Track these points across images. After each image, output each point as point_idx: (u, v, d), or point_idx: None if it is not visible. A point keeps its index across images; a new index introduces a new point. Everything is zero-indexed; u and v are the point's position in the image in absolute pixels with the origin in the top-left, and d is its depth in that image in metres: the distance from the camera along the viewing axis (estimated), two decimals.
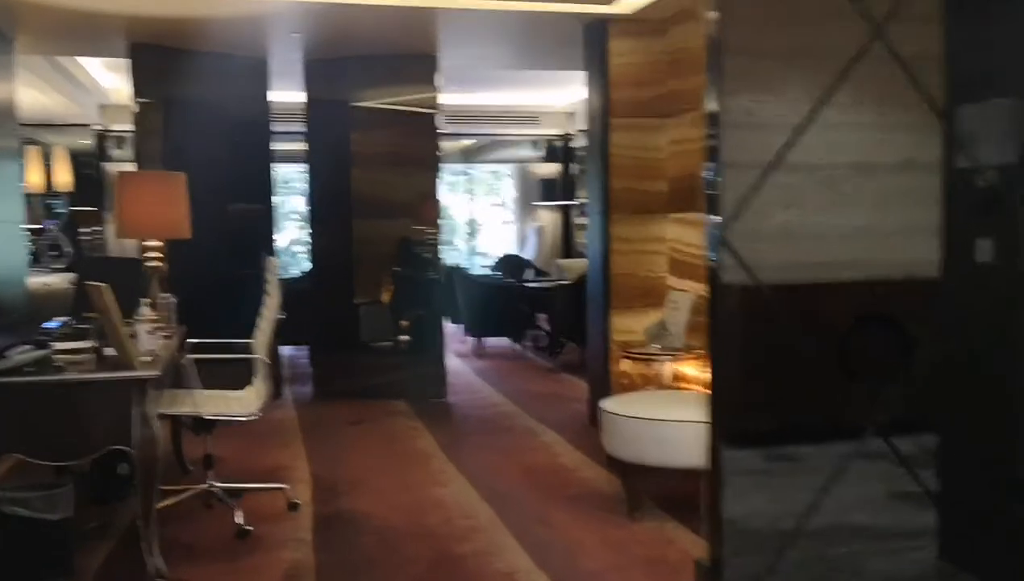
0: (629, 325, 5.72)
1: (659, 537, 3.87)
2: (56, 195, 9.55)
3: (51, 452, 3.40)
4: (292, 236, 14.79)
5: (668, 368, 5.28)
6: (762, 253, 2.40)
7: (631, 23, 5.57)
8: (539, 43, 6.55)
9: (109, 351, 3.60)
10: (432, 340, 7.20)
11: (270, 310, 4.24)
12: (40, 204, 9.45)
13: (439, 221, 7.30)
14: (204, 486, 4.21)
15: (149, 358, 3.61)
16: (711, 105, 2.22)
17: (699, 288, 5.30)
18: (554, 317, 9.10)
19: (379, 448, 5.51)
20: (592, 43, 5.77)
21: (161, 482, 3.62)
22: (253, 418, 4.06)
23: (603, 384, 5.73)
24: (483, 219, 15.26)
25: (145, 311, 3.80)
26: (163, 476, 3.66)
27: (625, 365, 5.38)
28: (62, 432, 3.38)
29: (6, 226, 5.74)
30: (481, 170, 14.74)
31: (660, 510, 4.13)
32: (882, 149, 2.39)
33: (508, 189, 15.19)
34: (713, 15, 2.25)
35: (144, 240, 4.92)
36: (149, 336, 3.72)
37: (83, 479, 4.18)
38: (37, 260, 9.29)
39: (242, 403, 4.18)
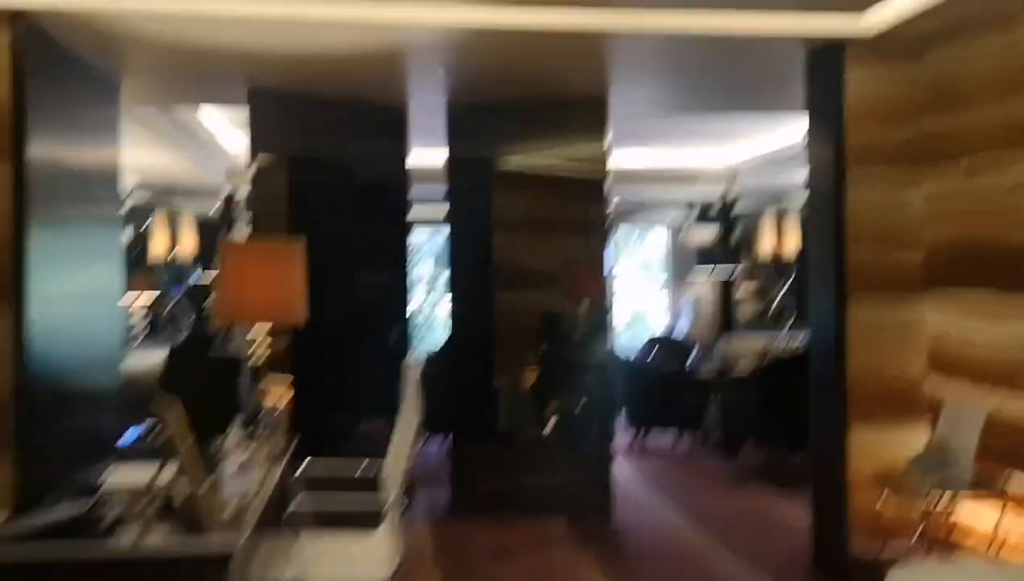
0: (871, 441, 4.27)
1: None
2: (181, 264, 8.97)
3: None
4: (419, 304, 13.97)
5: (950, 513, 3.83)
6: None
7: (875, 46, 4.24)
8: (737, 77, 5.29)
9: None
10: (591, 438, 5.93)
11: (407, 428, 3.06)
12: (165, 273, 8.85)
13: (605, 296, 6.08)
14: None
15: (233, 512, 2.47)
16: None
17: (989, 396, 3.82)
18: (730, 412, 7.66)
19: None
20: (820, 73, 4.47)
21: None
22: None
23: (836, 519, 4.29)
24: (619, 289, 13.99)
25: (235, 437, 2.67)
26: None
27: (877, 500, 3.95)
28: None
29: (101, 300, 4.84)
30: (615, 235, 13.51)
31: None
32: None
33: (645, 254, 13.94)
34: None
35: (250, 325, 3.90)
36: (239, 474, 2.58)
37: None
38: (158, 333, 8.61)
39: (367, 560, 2.99)
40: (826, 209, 4.43)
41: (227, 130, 7.33)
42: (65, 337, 4.20)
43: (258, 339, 3.98)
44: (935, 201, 4.23)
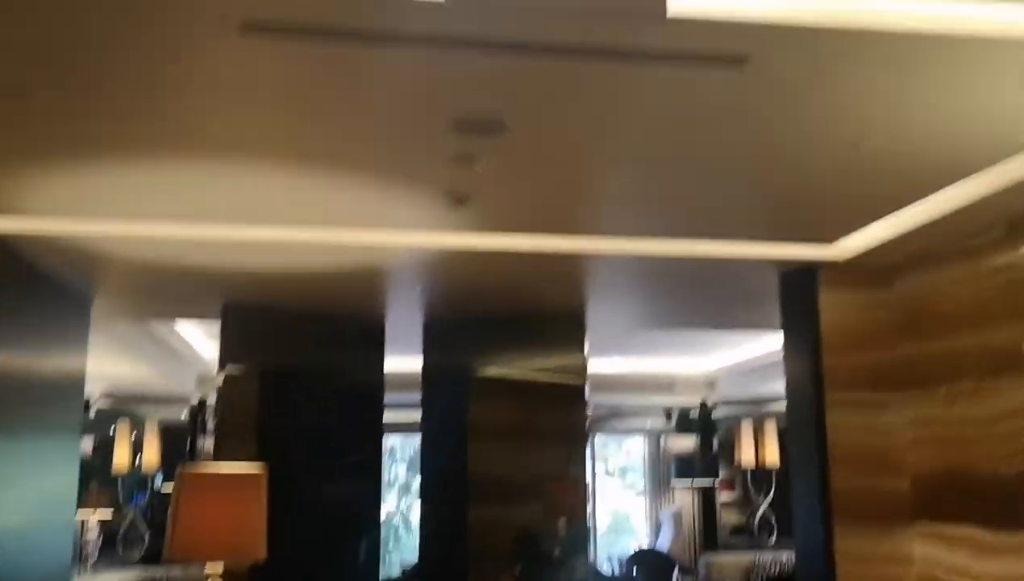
0: None
1: None
2: (145, 473, 8.61)
3: None
4: (391, 508, 13.55)
5: None
6: None
7: (846, 271, 4.29)
8: (712, 297, 5.33)
9: None
10: None
11: None
12: (125, 484, 8.48)
13: (584, 512, 5.88)
14: None
15: None
16: None
17: None
18: None
19: None
20: (794, 296, 4.50)
21: None
22: None
23: None
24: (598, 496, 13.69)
25: None
26: None
27: None
28: None
29: (53, 510, 4.60)
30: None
31: None
32: None
33: (623, 460, 13.74)
34: None
35: (204, 563, 3.64)
36: None
37: None
38: (114, 549, 8.13)
39: None
40: (806, 432, 4.33)
41: (199, 340, 7.27)
42: (9, 557, 3.96)
43: (213, 571, 3.71)
44: (917, 428, 4.15)
